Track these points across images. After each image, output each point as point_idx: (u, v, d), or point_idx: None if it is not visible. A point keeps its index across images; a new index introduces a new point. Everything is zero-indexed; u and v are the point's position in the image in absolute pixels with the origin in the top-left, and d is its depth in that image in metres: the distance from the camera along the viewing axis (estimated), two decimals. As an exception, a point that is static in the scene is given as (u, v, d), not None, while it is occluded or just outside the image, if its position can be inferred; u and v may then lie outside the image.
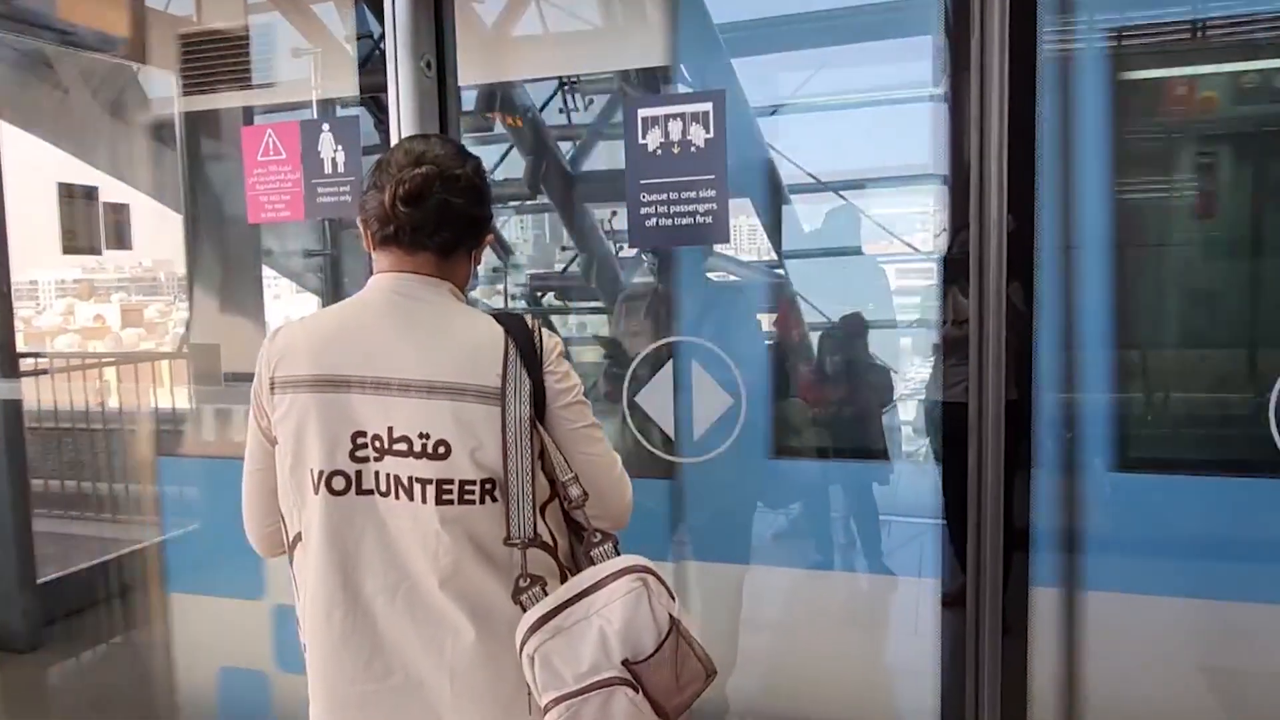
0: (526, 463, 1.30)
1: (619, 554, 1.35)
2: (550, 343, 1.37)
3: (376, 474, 1.33)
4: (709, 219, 2.11)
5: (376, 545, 1.33)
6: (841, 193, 3.67)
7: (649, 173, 2.13)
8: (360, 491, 1.33)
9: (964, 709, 2.18)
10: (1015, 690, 2.18)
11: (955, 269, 2.17)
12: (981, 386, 2.05)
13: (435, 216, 1.35)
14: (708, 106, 2.08)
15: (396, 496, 1.32)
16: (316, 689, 1.39)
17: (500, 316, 1.37)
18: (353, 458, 1.33)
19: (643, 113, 2.12)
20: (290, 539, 1.42)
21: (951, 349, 2.27)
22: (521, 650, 1.27)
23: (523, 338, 1.34)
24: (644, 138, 2.12)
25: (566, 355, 1.40)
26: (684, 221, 2.13)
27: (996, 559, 2.10)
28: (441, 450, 1.30)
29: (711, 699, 2.49)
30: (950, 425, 2.27)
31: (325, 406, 1.33)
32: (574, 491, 1.34)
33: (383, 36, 2.22)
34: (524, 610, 1.29)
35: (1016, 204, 2.01)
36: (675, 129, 2.10)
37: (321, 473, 1.33)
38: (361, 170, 2.28)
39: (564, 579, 1.35)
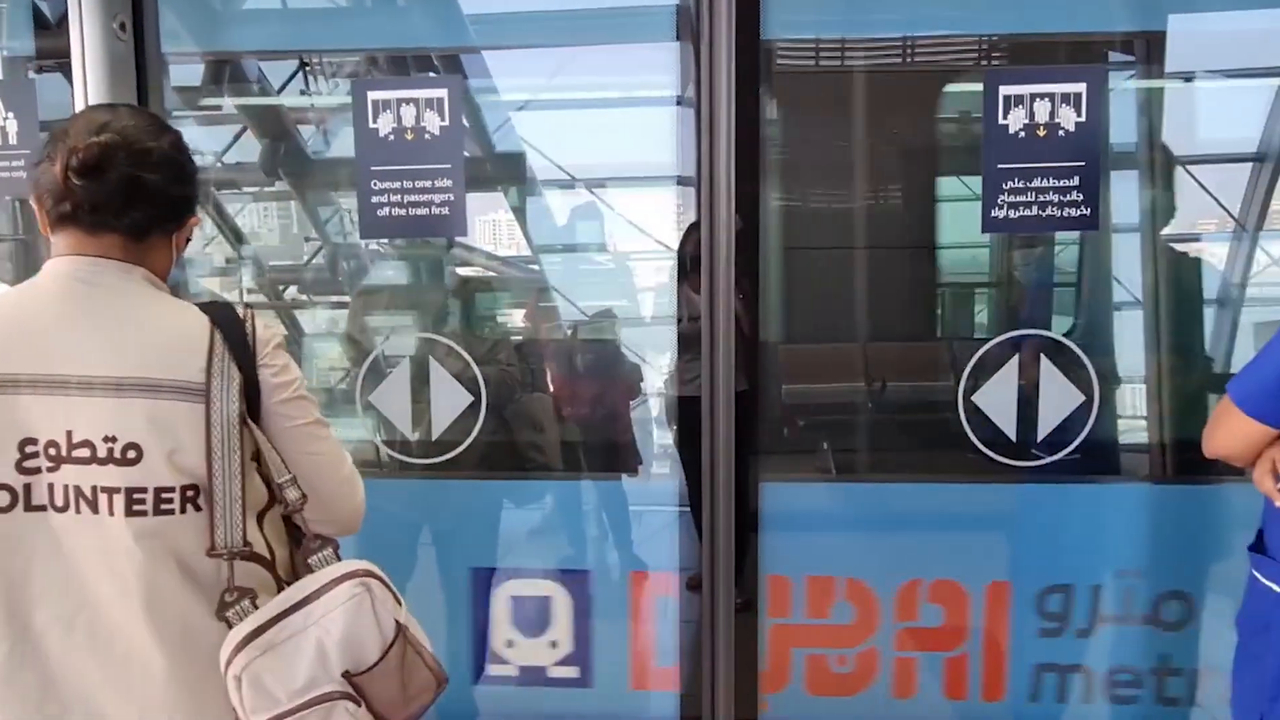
0: (235, 465, 1.18)
1: (340, 560, 1.26)
2: (266, 334, 1.25)
3: (51, 486, 1.16)
4: (445, 210, 2.05)
5: (50, 569, 1.17)
6: (594, 189, 3.71)
7: (381, 159, 2.03)
8: (30, 508, 1.17)
9: (700, 683, 2.27)
10: (747, 662, 2.29)
11: (688, 266, 2.26)
12: (713, 379, 2.14)
13: (121, 194, 1.19)
14: (443, 92, 2.01)
15: (77, 510, 1.17)
16: None
17: (206, 306, 1.25)
18: (19, 469, 1.16)
19: (373, 95, 2.01)
20: None
21: (686, 344, 2.35)
22: (226, 671, 1.16)
23: (232, 329, 1.22)
24: (375, 121, 2.02)
25: (295, 348, 1.28)
26: (419, 212, 2.04)
27: (729, 541, 2.21)
28: (131, 455, 1.16)
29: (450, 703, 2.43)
30: (687, 417, 2.35)
31: None
32: (291, 495, 1.24)
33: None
34: (231, 628, 1.18)
35: (743, 205, 2.11)
36: (409, 114, 2.01)
37: None
38: (40, 143, 2.00)
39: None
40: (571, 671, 2.43)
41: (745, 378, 2.24)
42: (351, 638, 1.17)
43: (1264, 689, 1.47)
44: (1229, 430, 1.48)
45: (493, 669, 2.43)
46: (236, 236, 4.99)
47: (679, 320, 2.44)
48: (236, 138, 4.61)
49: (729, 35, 2.06)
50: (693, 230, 2.53)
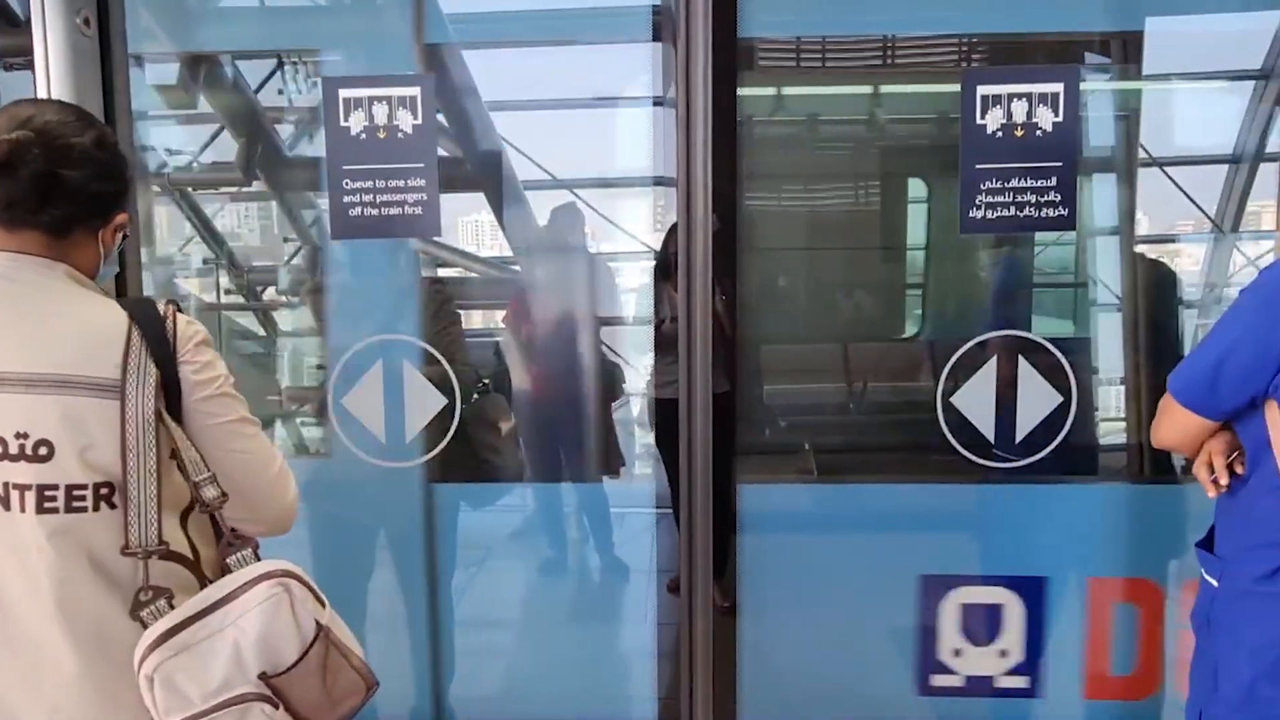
0: (151, 463, 1.17)
1: (259, 559, 1.24)
2: (189, 330, 1.24)
3: None
4: (418, 210, 2.02)
5: None
6: (577, 190, 3.69)
7: (352, 158, 2.00)
8: None
9: (679, 685, 2.25)
10: (725, 664, 2.27)
11: (666, 267, 2.23)
12: (690, 380, 2.12)
13: (36, 190, 1.18)
14: (415, 90, 1.98)
15: None
16: None
17: (127, 302, 1.24)
18: None
19: (344, 93, 1.98)
20: None
21: (668, 345, 2.33)
22: (139, 671, 1.15)
23: (152, 325, 1.20)
24: (346, 120, 1.99)
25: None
26: (391, 212, 2.01)
27: (707, 544, 2.19)
28: (43, 451, 1.15)
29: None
30: (667, 419, 2.33)
31: None
32: (208, 493, 1.22)
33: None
34: (146, 628, 1.16)
35: (720, 206, 2.10)
36: (380, 112, 1.98)
37: None
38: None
39: None
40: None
41: (727, 378, 2.24)
42: (268, 638, 1.16)
43: (1205, 682, 1.48)
44: (1170, 423, 1.50)
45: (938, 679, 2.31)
46: (213, 237, 4.93)
47: (660, 321, 2.42)
48: (214, 137, 4.55)
49: (705, 34, 2.04)
50: (676, 230, 2.50)
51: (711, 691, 2.23)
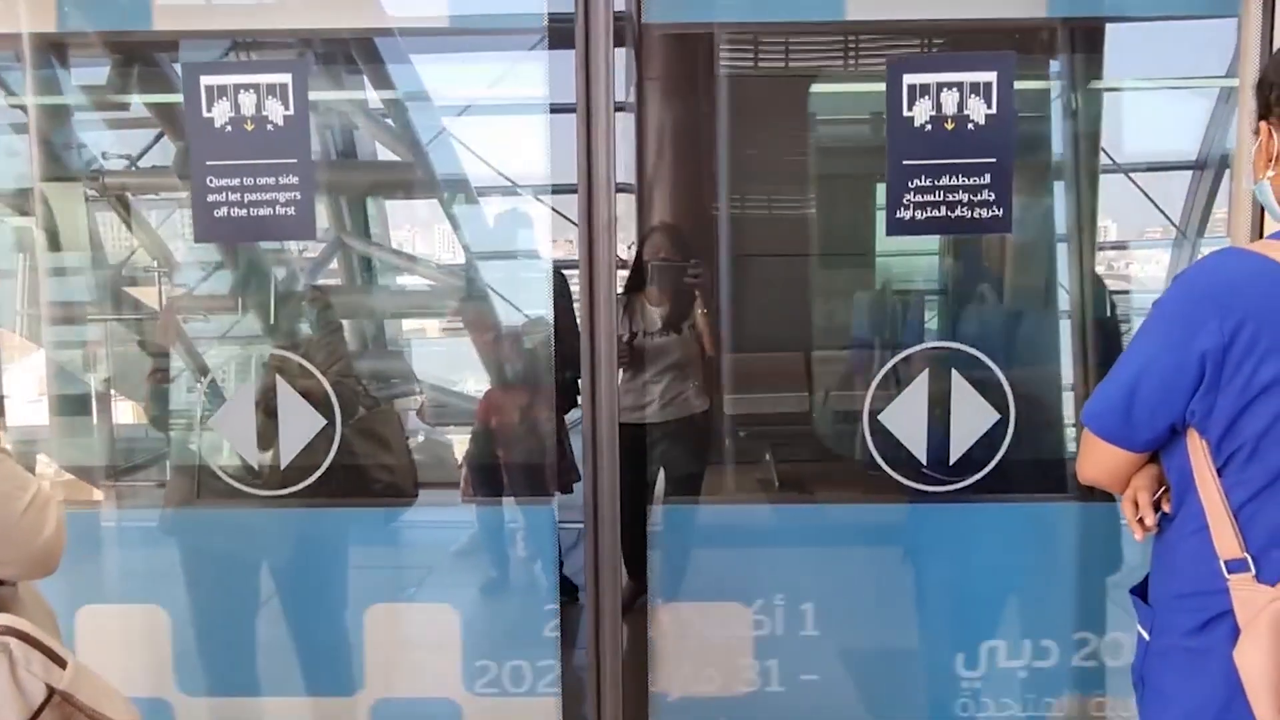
0: None
1: None
2: None
3: None
4: (290, 210, 1.83)
5: None
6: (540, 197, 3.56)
7: (216, 153, 1.82)
8: None
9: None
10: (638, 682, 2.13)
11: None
12: (595, 402, 1.93)
13: None
14: (286, 78, 1.80)
15: None
16: None
17: None
18: None
19: (206, 80, 1.80)
20: None
21: (635, 364, 2.18)
22: None
23: None
24: (209, 110, 1.81)
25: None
26: (261, 212, 1.83)
27: (616, 564, 2.02)
28: None
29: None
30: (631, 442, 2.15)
31: None
32: None
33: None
34: None
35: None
36: (248, 102, 1.80)
37: None
38: None
39: None
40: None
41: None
42: None
43: None
44: (1091, 456, 1.30)
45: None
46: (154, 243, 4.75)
47: (633, 335, 2.26)
48: (156, 140, 4.38)
49: (607, 45, 1.87)
50: (651, 235, 2.34)
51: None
